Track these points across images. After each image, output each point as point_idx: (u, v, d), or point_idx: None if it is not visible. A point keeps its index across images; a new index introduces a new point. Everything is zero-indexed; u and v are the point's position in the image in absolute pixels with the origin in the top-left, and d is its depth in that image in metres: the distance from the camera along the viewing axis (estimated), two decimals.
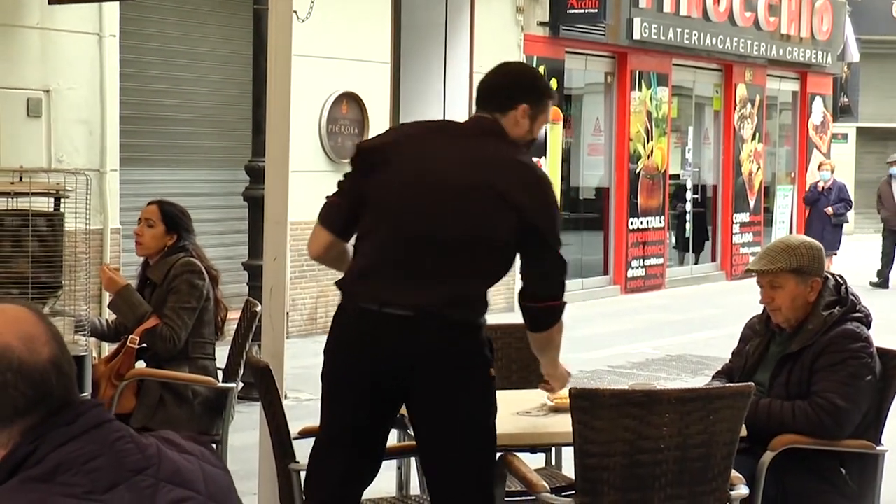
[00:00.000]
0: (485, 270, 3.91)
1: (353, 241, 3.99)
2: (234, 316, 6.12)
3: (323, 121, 12.35)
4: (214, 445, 5.65)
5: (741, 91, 19.19)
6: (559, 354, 4.19)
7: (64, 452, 1.75)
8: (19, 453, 1.76)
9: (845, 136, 29.67)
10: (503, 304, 14.36)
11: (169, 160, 11.45)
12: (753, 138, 19.59)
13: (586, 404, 3.68)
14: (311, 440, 4.18)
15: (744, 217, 19.45)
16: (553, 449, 5.00)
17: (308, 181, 11.46)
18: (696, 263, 18.81)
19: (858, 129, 30.03)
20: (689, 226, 18.60)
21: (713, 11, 17.84)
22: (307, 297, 12.22)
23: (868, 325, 4.56)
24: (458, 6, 14.19)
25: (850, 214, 18.81)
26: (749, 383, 4.02)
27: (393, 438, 4.81)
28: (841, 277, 4.65)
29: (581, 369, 10.43)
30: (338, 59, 12.30)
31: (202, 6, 11.69)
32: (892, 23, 29.17)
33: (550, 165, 15.30)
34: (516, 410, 4.36)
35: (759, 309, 4.72)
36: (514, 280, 14.53)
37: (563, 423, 3.89)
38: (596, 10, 15.01)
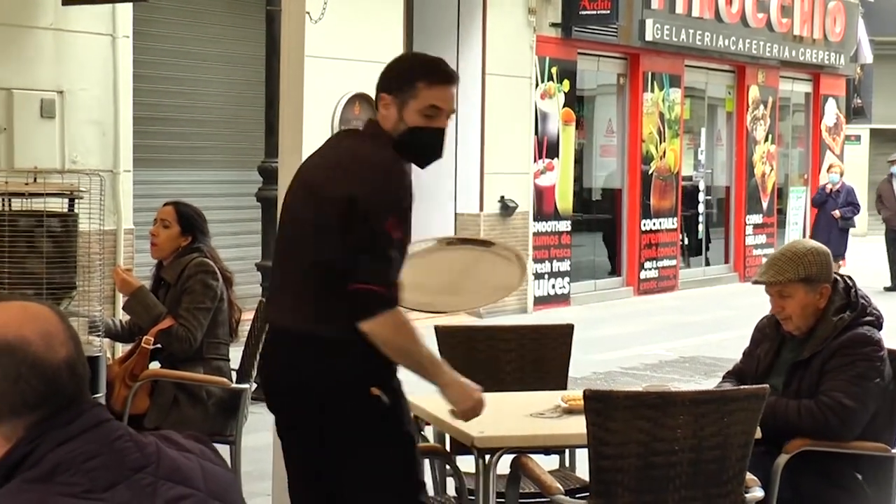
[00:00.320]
0: (317, 276, 3.57)
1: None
2: (247, 317, 6.12)
3: (335, 122, 12.36)
4: (228, 446, 5.65)
5: (754, 92, 19.15)
6: (444, 372, 3.65)
7: (62, 452, 1.76)
8: (17, 454, 1.77)
9: (858, 138, 29.60)
10: (515, 306, 14.37)
11: (182, 161, 11.46)
12: (766, 140, 19.55)
13: (600, 406, 3.68)
14: None
15: (757, 219, 19.41)
16: (567, 451, 4.99)
17: None
18: (708, 265, 18.79)
19: (872, 130, 29.95)
20: (701, 227, 18.58)
21: (725, 13, 17.81)
22: None
23: (879, 328, 4.54)
24: (470, 7, 14.19)
25: (863, 216, 18.69)
26: (764, 385, 4.00)
27: None
28: (850, 279, 4.63)
29: (594, 371, 10.42)
30: (350, 61, 12.31)
31: (215, 8, 11.71)
32: None
33: (563, 167, 15.29)
34: (530, 412, 4.36)
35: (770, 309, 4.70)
36: (525, 282, 14.55)
37: (576, 425, 3.88)
38: (608, 12, 14.99)
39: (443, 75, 3.74)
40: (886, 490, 4.54)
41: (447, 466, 4.58)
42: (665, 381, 9.96)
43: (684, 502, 3.74)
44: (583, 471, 4.14)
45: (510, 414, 4.37)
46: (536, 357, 5.17)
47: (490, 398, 4.76)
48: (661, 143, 17.07)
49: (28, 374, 1.77)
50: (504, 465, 4.17)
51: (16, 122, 9.53)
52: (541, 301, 14.74)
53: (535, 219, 14.83)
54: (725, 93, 19.16)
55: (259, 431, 6.50)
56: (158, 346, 5.72)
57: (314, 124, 11.55)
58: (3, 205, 6.17)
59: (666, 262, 17.23)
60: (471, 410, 3.70)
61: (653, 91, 16.87)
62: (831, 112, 21.52)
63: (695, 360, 11.27)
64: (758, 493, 3.93)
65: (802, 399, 4.42)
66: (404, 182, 3.58)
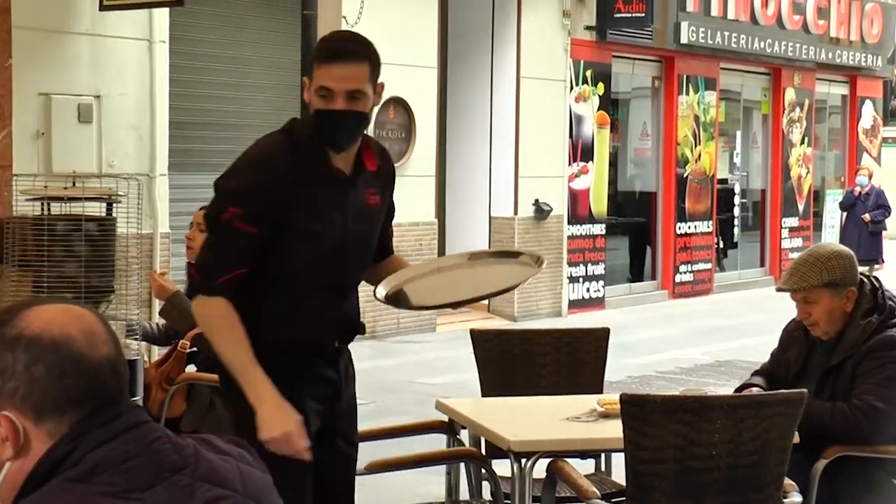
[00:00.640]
0: None
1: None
2: None
3: (370, 126, 12.37)
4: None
5: (790, 95, 19.06)
6: (255, 385, 3.30)
7: (101, 453, 1.77)
8: (59, 452, 1.78)
9: None
10: (549, 310, 14.36)
11: (217, 165, 11.40)
12: (802, 142, 19.45)
13: (637, 410, 3.67)
14: (360, 444, 4.18)
15: (792, 222, 19.31)
16: (602, 455, 4.98)
17: None
18: (743, 268, 18.71)
19: None
20: (736, 230, 18.50)
21: (761, 15, 17.74)
22: None
23: None
24: (504, 10, 14.19)
25: (894, 220, 18.40)
26: (802, 390, 3.97)
27: (441, 443, 4.82)
28: (877, 280, 4.59)
29: (629, 375, 10.39)
30: (385, 64, 12.25)
31: (251, 12, 11.76)
32: None
33: (597, 170, 15.27)
34: (566, 416, 4.35)
35: None
36: (560, 285, 14.56)
37: (613, 429, 3.88)
38: (643, 14, 14.96)
39: (327, 53, 3.45)
40: None
41: (483, 470, 4.58)
42: (701, 385, 9.92)
43: None
44: (619, 475, 4.13)
45: (546, 418, 4.36)
46: (572, 361, 5.16)
47: (526, 402, 4.78)
48: (696, 146, 17.01)
49: (71, 371, 1.80)
50: (540, 468, 4.17)
51: (54, 126, 9.60)
52: (575, 304, 14.71)
53: (570, 222, 14.81)
54: (761, 95, 19.07)
55: None
56: (195, 349, 5.75)
57: None
58: (42, 209, 6.22)
59: (701, 266, 17.16)
60: (279, 441, 3.22)
61: (688, 94, 16.82)
62: (868, 114, 21.38)
63: (731, 364, 11.22)
64: (796, 498, 3.91)
65: (836, 402, 4.40)
66: (264, 175, 3.39)
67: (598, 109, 15.24)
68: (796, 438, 3.90)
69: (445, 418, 4.70)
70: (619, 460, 3.88)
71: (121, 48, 10.13)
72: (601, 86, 15.27)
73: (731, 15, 17.13)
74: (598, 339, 5.20)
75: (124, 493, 1.75)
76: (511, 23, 14.18)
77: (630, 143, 16.70)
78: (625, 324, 13.07)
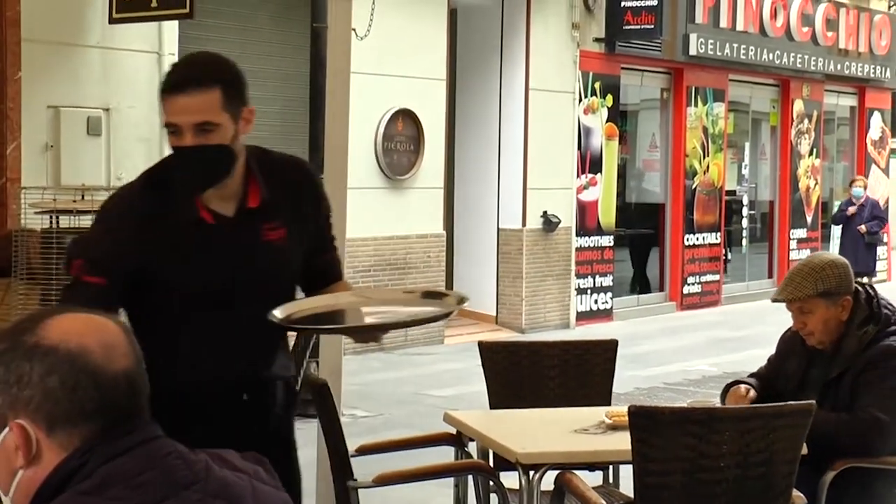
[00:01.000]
0: None
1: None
2: (291, 333, 6.13)
3: (379, 137, 12.40)
4: None
5: (798, 106, 19.05)
6: None
7: (113, 467, 1.77)
8: (70, 465, 1.78)
9: None
10: (557, 321, 14.35)
11: None
12: (811, 154, 19.44)
13: (645, 422, 3.67)
14: (369, 457, 4.19)
15: (801, 233, 19.30)
16: (611, 467, 4.98)
17: (363, 198, 11.51)
18: (752, 280, 18.68)
19: None
20: (745, 242, 18.48)
21: (770, 26, 17.74)
22: None
23: None
24: (513, 23, 14.21)
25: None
26: (810, 402, 3.97)
27: (449, 456, 4.83)
28: (872, 289, 4.58)
29: (637, 386, 10.38)
30: (394, 77, 12.35)
31: (260, 24, 11.79)
32: None
33: (606, 181, 15.27)
34: (574, 428, 4.35)
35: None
36: (568, 297, 14.54)
37: (621, 441, 3.88)
38: (652, 26, 14.97)
39: (166, 83, 3.19)
40: None
41: (491, 483, 4.58)
42: (709, 396, 9.89)
43: None
44: (627, 487, 4.13)
45: (554, 430, 4.36)
46: (580, 373, 5.16)
47: (534, 414, 4.77)
48: (704, 157, 17.01)
49: (85, 384, 1.78)
50: (548, 481, 4.17)
51: (63, 139, 9.63)
52: (583, 316, 14.71)
53: (578, 234, 14.81)
54: (770, 107, 19.07)
55: (303, 448, 6.46)
56: None
57: (358, 140, 11.61)
58: (51, 222, 6.24)
59: (709, 277, 17.15)
60: None
61: (696, 105, 16.83)
62: (877, 126, 21.36)
63: (739, 376, 11.17)
64: None
65: (840, 413, 4.39)
66: (115, 223, 3.14)
67: (607, 121, 15.25)
68: (804, 450, 3.90)
69: (453, 430, 4.70)
70: (627, 472, 3.88)
71: (130, 61, 10.16)
72: (610, 97, 15.28)
73: (739, 27, 17.14)
74: (606, 351, 5.21)
75: None
76: (520, 35, 14.20)
77: (639, 154, 16.70)
78: (633, 335, 13.06)
